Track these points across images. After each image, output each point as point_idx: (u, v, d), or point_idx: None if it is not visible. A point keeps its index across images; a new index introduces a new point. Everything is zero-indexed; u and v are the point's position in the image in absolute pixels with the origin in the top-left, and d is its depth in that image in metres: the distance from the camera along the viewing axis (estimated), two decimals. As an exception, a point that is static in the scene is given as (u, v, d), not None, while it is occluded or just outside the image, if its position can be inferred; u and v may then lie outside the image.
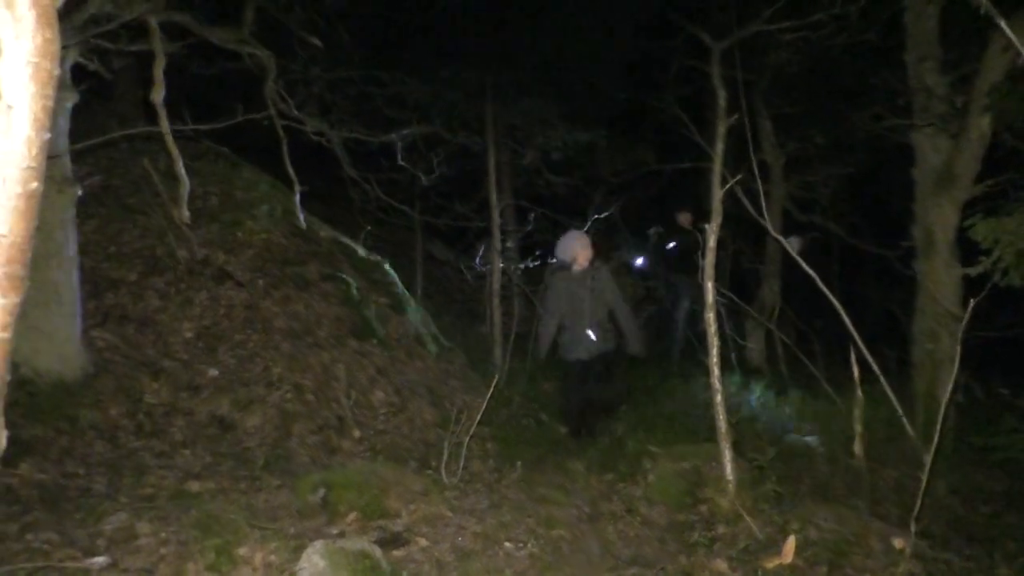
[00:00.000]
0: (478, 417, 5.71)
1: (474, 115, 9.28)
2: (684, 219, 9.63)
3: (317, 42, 6.95)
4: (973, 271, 5.74)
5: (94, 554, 3.42)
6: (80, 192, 5.56)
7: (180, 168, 5.75)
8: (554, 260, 6.95)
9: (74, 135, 5.51)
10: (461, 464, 5.26)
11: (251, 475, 4.79)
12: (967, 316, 3.83)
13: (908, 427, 4.18)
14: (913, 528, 3.64)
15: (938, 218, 6.29)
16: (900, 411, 4.12)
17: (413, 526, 4.13)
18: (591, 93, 10.24)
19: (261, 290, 7.04)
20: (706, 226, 4.63)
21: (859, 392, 4.11)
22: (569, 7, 9.27)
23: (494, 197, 9.03)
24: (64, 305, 5.31)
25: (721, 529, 4.29)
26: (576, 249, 6.64)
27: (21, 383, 4.87)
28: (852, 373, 4.14)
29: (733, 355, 8.72)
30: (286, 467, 5.08)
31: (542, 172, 10.57)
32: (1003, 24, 2.83)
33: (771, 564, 3.75)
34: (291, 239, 7.92)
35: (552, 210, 10.90)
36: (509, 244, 10.97)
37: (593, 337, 6.50)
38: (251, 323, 6.64)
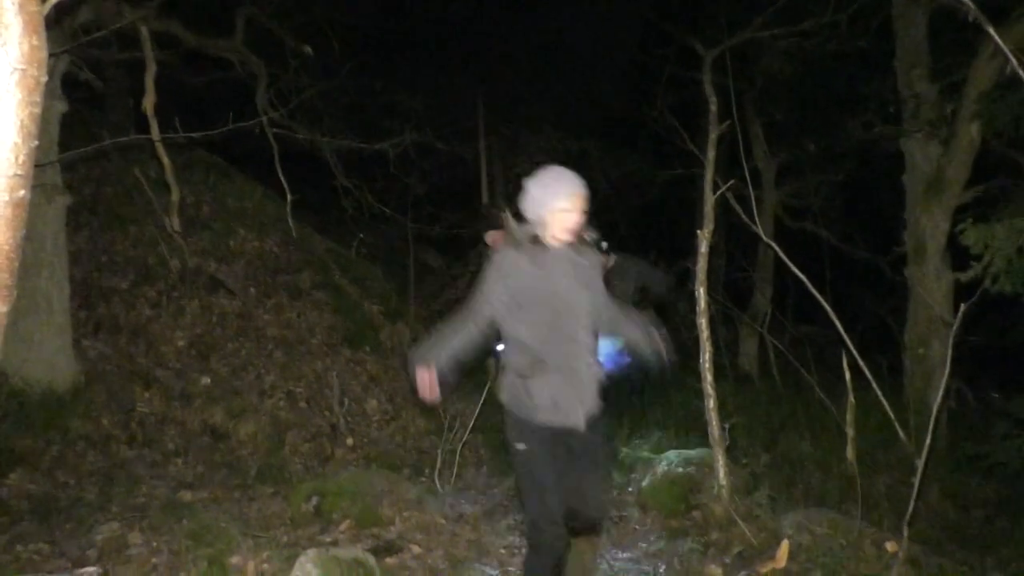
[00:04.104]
0: (471, 425, 5.69)
1: (466, 123, 9.30)
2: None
3: (308, 51, 6.96)
4: (964, 277, 5.77)
5: (85, 564, 3.41)
6: (70, 201, 5.55)
7: (171, 177, 5.74)
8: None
9: (65, 144, 5.50)
10: (454, 471, 5.25)
11: (244, 484, 4.78)
12: (958, 322, 3.83)
13: (900, 433, 4.18)
14: (906, 533, 3.63)
15: (929, 224, 6.32)
16: (892, 417, 4.11)
17: (407, 534, 4.11)
18: (583, 101, 10.26)
19: (253, 299, 7.03)
20: (699, 232, 4.62)
21: (851, 398, 4.11)
22: (561, 17, 9.30)
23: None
24: (54, 315, 5.30)
25: (715, 535, 4.28)
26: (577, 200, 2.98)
27: (11, 394, 4.86)
28: (844, 379, 4.14)
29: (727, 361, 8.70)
30: (279, 476, 5.06)
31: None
32: (991, 32, 2.85)
33: (765, 569, 3.74)
34: (283, 248, 7.92)
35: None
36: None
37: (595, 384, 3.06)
38: (244, 332, 6.63)
